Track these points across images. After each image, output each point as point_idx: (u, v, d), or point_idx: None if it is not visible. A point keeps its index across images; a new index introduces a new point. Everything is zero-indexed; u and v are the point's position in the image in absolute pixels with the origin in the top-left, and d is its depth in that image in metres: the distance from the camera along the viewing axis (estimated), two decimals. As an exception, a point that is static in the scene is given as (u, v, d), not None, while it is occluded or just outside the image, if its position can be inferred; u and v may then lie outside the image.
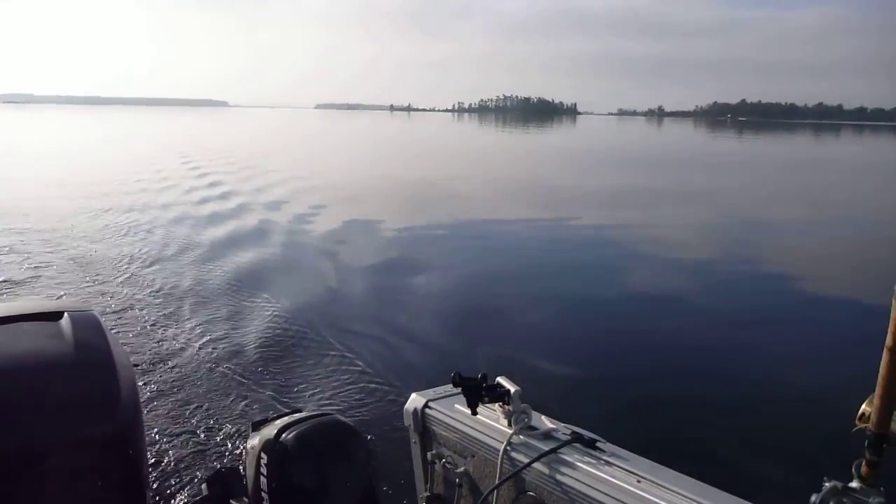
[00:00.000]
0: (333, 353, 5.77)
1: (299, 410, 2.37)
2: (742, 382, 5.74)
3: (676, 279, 9.31)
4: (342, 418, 2.36)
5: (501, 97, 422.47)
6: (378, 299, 7.77)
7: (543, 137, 65.76)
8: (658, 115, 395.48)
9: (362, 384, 5.13)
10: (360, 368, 5.43)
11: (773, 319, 7.64)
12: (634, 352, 6.43)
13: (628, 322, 7.36)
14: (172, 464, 3.87)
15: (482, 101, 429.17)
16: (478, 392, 1.97)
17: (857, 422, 1.43)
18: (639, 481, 1.71)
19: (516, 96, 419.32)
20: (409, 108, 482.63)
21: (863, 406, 1.43)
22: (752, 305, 8.24)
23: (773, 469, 4.05)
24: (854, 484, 1.40)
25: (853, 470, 1.41)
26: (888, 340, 1.33)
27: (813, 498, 1.38)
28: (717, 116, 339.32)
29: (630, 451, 1.88)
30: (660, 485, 1.68)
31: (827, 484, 1.40)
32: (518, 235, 12.27)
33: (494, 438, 2.01)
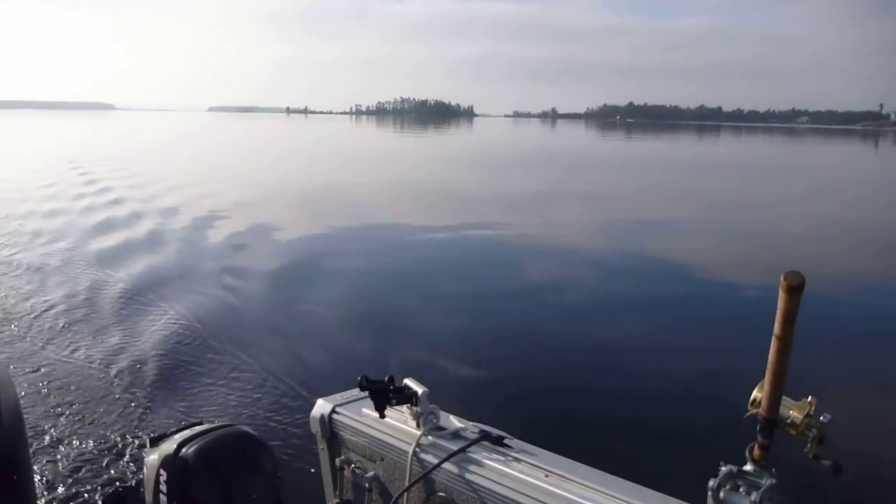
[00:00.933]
0: (235, 362, 5.61)
1: (200, 423, 2.27)
2: (641, 374, 5.94)
3: (573, 276, 9.60)
4: (246, 429, 2.28)
5: (399, 99, 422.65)
6: (280, 306, 7.62)
7: (441, 139, 66.23)
8: (552, 116, 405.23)
9: (266, 393, 5.01)
10: (263, 377, 5.30)
11: (667, 313, 7.94)
12: (537, 348, 6.54)
13: (529, 319, 7.49)
14: (65, 487, 3.64)
15: (380, 103, 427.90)
16: (385, 395, 1.96)
17: (749, 407, 1.50)
18: (546, 475, 1.75)
19: (414, 99, 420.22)
20: (305, 111, 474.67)
21: (754, 392, 1.49)
22: (647, 300, 8.55)
23: (674, 457, 4.22)
24: (748, 467, 1.49)
25: (747, 453, 1.50)
26: (776, 329, 1.39)
27: (710, 482, 1.45)
28: (607, 118, 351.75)
29: (537, 446, 1.93)
30: (566, 478, 1.73)
31: (723, 468, 1.47)
32: (418, 238, 12.27)
33: (403, 441, 2.01)
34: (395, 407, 2.01)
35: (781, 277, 1.35)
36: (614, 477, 1.75)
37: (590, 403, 5.31)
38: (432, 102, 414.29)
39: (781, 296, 1.36)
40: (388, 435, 2.05)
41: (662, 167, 34.39)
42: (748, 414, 1.50)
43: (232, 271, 9.12)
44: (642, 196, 20.45)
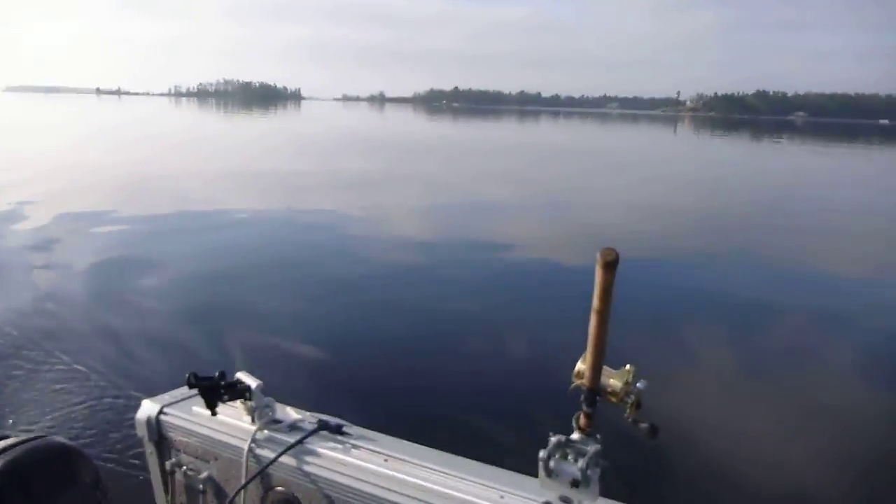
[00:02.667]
0: (49, 365, 5.15)
1: (6, 436, 2.05)
2: (475, 354, 6.10)
3: (404, 260, 9.65)
4: (61, 439, 2.08)
5: (222, 81, 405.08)
6: (99, 302, 7.07)
7: (269, 123, 64.29)
8: (380, 100, 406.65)
9: (88, 397, 4.64)
10: (84, 381, 4.90)
11: (498, 293, 8.19)
12: (372, 333, 6.55)
13: (363, 305, 7.46)
14: None
15: (201, 85, 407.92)
16: (216, 391, 1.89)
17: (574, 379, 1.56)
18: (385, 460, 1.76)
19: (238, 81, 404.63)
20: (119, 92, 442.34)
21: (578, 364, 1.56)
22: (475, 279, 8.78)
23: (508, 432, 4.38)
24: (575, 436, 1.56)
25: (573, 423, 1.57)
26: (594, 303, 1.43)
27: (541, 454, 1.52)
28: (434, 102, 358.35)
29: (376, 431, 1.93)
30: (406, 461, 1.75)
31: (552, 438, 1.54)
32: (247, 225, 11.84)
33: (238, 437, 1.95)
34: (229, 403, 1.93)
35: (598, 254, 1.40)
36: (453, 455, 1.79)
37: (427, 385, 5.38)
38: (257, 85, 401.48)
39: (598, 271, 1.40)
40: (221, 433, 1.97)
41: (488, 151, 35.59)
42: (573, 385, 1.56)
43: (45, 267, 8.37)
44: (471, 179, 20.99)
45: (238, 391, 1.91)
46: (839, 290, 9.25)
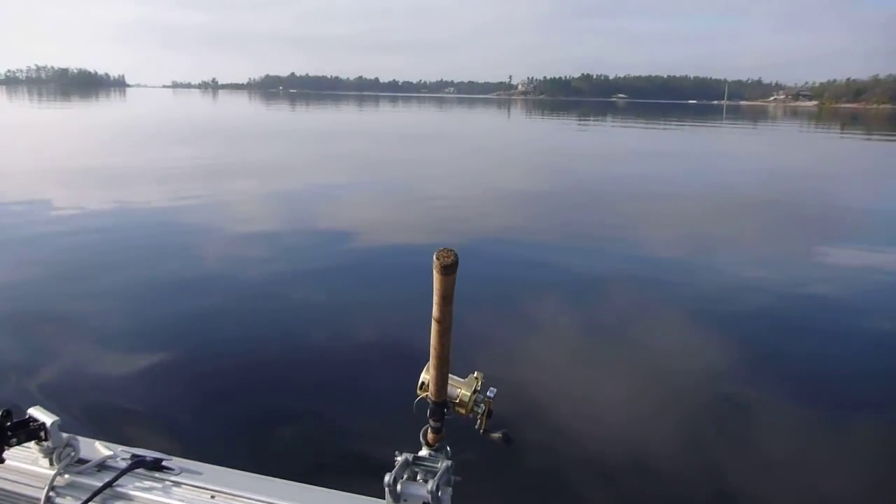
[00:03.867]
0: None
1: None
2: (314, 363, 5.60)
3: (238, 256, 9.07)
4: None
5: (34, 67, 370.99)
6: None
7: (90, 111, 59.52)
8: (213, 87, 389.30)
9: None
10: None
11: (337, 292, 7.58)
12: (200, 345, 5.85)
13: (190, 312, 6.65)
14: None
15: (9, 71, 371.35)
16: (0, 434, 1.62)
17: (418, 391, 1.48)
18: (213, 497, 1.56)
19: (52, 67, 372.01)
20: None
21: (422, 376, 1.46)
22: (315, 278, 8.15)
23: (352, 454, 4.03)
24: (423, 452, 1.45)
25: (421, 438, 1.45)
26: (434, 311, 1.33)
27: (386, 477, 1.38)
28: (270, 88, 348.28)
29: (203, 462, 1.71)
30: (237, 495, 1.55)
31: (398, 458, 1.41)
32: (55, 224, 10.64)
33: (32, 486, 1.68)
34: (21, 445, 1.64)
35: (434, 257, 1.26)
36: (292, 483, 1.62)
37: (262, 403, 4.83)
38: (75, 71, 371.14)
39: (436, 276, 1.28)
40: (11, 482, 1.68)
41: (331, 136, 35.03)
42: (418, 398, 1.47)
43: None
44: (312, 166, 20.56)
45: (30, 431, 1.65)
46: (681, 266, 9.84)
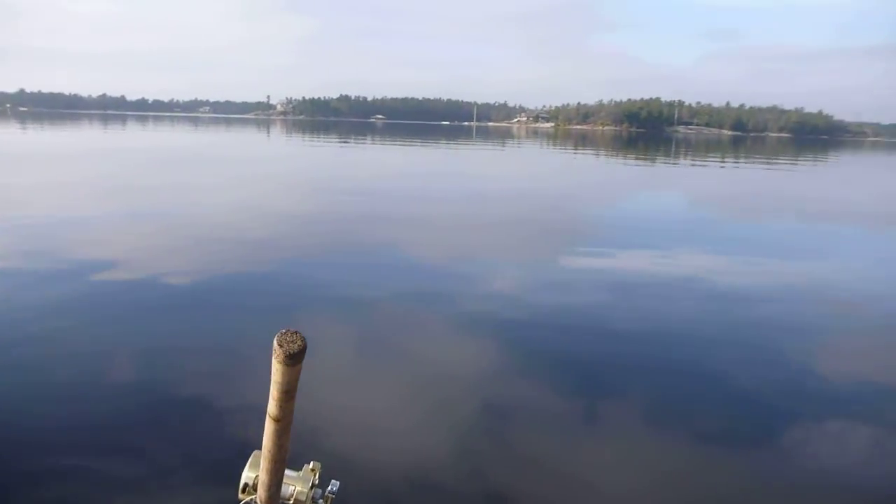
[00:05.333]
0: None
1: None
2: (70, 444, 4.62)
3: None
4: None
5: None
6: None
7: None
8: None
9: None
10: None
11: (90, 338, 6.73)
12: None
13: None
14: None
15: None
16: None
17: (240, 495, 1.26)
18: None
19: None
20: None
21: (244, 475, 1.27)
22: (59, 319, 7.28)
23: None
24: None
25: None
26: (270, 408, 1.13)
27: None
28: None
29: None
30: None
31: None
32: None
33: None
34: None
35: (275, 343, 1.05)
36: None
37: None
38: None
39: (277, 367, 1.06)
40: None
41: (63, 158, 32.64)
42: (243, 503, 1.26)
43: None
44: (47, 192, 19.33)
45: None
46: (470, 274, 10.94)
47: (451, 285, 9.66)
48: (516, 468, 4.71)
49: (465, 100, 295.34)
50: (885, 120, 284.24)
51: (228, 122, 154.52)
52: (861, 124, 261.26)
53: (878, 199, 27.39)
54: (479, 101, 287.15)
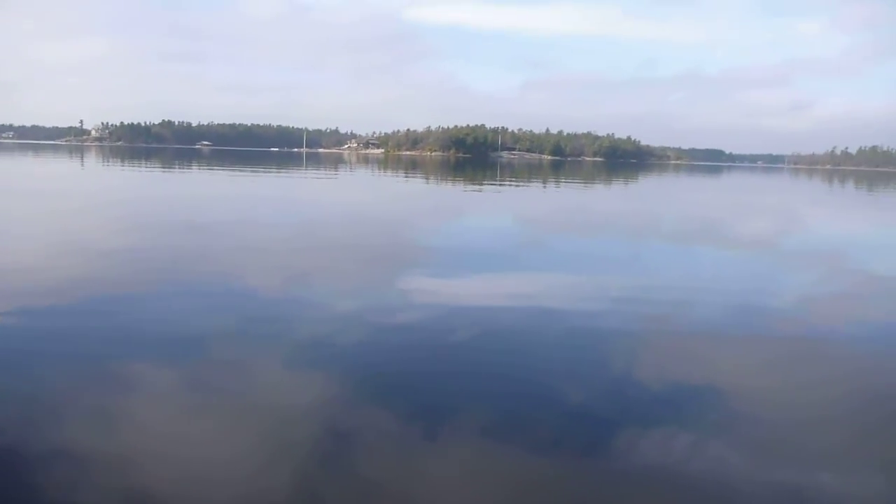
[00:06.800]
0: None
1: None
2: None
3: None
4: None
5: None
6: None
7: None
8: None
9: None
10: None
11: None
12: None
13: None
14: None
15: None
16: None
17: None
18: None
19: None
20: None
21: None
22: None
23: None
24: None
25: None
26: None
27: None
28: None
29: None
30: None
31: None
32: None
33: None
34: None
35: None
36: None
37: None
38: None
39: None
40: None
41: None
42: None
43: None
44: None
45: None
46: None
47: (281, 311, 9.83)
48: (356, 494, 4.83)
49: (295, 126, 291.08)
50: (685, 145, 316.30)
51: (37, 147, 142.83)
52: (665, 148, 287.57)
53: (677, 215, 30.43)
54: (311, 128, 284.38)
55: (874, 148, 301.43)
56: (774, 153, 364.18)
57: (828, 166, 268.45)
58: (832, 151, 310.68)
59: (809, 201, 48.78)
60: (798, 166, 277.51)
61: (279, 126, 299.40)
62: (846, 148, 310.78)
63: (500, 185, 52.69)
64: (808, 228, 27.36)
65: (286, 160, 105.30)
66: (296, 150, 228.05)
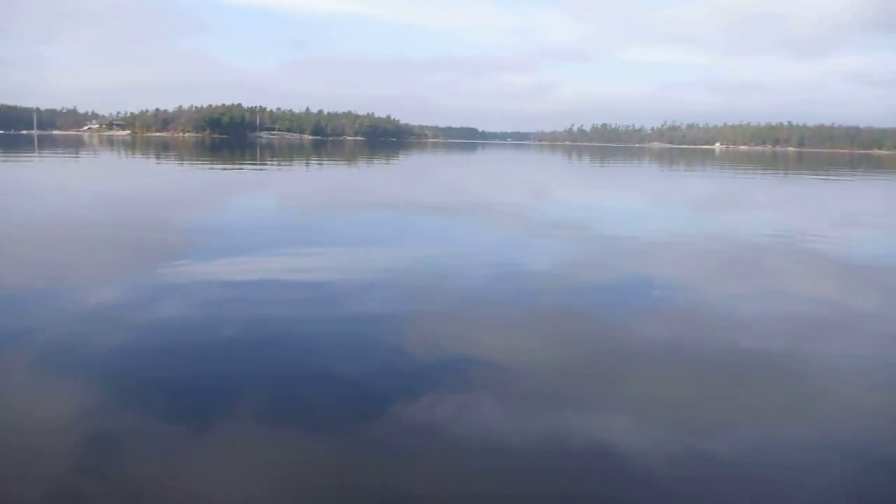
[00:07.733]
0: None
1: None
2: None
3: None
4: None
5: None
6: None
7: None
8: None
9: None
10: None
11: None
12: None
13: None
14: None
15: None
16: None
17: None
18: None
19: None
20: None
21: None
22: None
23: None
24: None
25: None
26: None
27: None
28: None
29: None
30: None
31: None
32: None
33: None
34: None
35: None
36: None
37: None
38: None
39: None
40: None
41: None
42: None
43: None
44: None
45: None
46: None
47: (21, 308, 8.78)
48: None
49: (23, 105, 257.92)
50: (441, 123, 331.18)
51: None
52: (423, 127, 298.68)
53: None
54: (43, 107, 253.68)
55: (605, 125, 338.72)
56: (522, 131, 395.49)
57: (567, 142, 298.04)
58: (570, 129, 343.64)
59: (554, 174, 53.23)
60: (542, 143, 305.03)
61: (4, 105, 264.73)
62: (582, 126, 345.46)
63: (262, 166, 51.18)
64: (556, 199, 29.89)
65: (13, 143, 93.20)
66: (24, 132, 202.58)
